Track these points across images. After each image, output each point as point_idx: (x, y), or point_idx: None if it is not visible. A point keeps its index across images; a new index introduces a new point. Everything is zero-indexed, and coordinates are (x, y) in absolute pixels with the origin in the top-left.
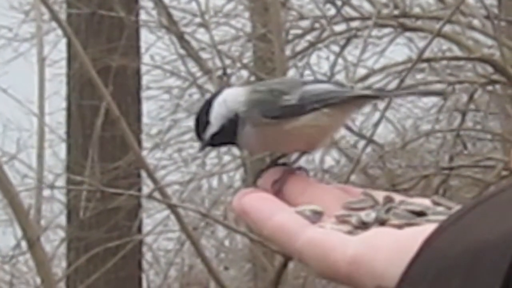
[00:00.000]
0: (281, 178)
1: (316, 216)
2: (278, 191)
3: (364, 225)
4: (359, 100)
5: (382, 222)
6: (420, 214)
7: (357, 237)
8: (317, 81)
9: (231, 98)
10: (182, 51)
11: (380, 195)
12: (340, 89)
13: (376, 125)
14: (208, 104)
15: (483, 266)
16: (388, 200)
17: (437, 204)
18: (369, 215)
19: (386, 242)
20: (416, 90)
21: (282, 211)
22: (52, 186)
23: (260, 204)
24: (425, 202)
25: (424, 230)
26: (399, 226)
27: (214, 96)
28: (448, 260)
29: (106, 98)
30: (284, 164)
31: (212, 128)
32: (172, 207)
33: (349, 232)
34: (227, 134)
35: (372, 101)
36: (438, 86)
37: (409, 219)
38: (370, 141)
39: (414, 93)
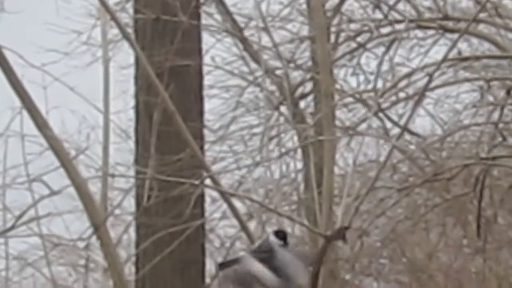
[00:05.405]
0: None
1: None
2: None
3: None
4: None
5: None
6: None
7: None
8: None
9: None
10: (244, 53)
11: None
12: None
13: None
14: None
15: None
16: None
17: None
18: None
19: None
20: None
21: None
22: (113, 175)
23: None
24: None
25: None
26: None
27: None
28: None
29: (163, 96)
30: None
31: None
32: (224, 194)
33: None
34: None
35: None
36: (477, 83)
37: None
38: (404, 129)
39: None
